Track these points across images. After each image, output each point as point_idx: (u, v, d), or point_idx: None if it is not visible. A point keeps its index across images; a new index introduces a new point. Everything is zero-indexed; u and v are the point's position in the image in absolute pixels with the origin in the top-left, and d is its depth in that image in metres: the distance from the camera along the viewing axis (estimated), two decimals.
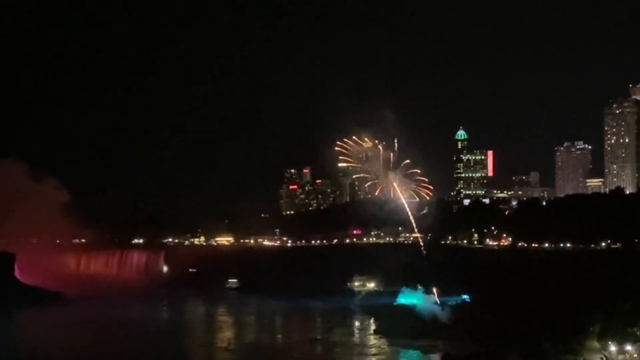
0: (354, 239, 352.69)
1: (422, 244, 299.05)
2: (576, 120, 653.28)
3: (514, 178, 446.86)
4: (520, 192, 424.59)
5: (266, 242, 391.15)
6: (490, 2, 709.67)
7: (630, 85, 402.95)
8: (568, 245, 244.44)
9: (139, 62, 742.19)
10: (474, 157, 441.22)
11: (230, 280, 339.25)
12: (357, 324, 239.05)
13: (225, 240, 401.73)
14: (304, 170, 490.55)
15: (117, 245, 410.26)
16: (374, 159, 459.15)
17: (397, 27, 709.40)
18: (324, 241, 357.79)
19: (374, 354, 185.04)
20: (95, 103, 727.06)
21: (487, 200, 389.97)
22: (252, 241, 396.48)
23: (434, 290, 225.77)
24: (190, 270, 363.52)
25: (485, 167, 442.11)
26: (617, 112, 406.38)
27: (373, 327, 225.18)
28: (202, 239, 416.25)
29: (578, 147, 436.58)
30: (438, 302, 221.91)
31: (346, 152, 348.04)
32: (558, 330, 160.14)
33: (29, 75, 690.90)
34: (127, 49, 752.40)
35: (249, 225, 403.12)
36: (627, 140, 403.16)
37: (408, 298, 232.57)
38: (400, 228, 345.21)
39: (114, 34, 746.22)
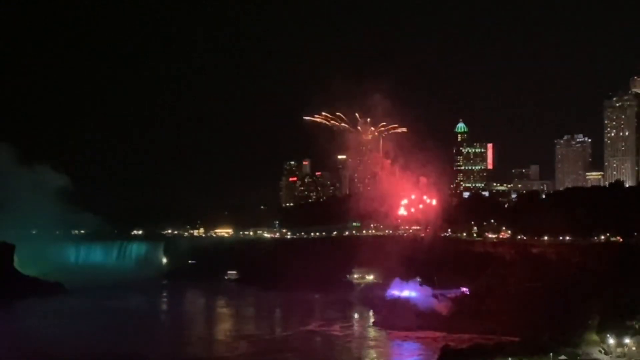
0: (354, 231, 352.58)
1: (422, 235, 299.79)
2: (576, 113, 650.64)
3: (513, 171, 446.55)
4: (519, 185, 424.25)
5: (265, 234, 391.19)
6: None
7: (631, 79, 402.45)
8: (567, 238, 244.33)
9: (140, 53, 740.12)
10: (473, 150, 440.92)
11: (229, 271, 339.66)
12: (356, 316, 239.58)
13: (224, 231, 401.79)
14: (304, 162, 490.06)
15: (117, 236, 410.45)
16: (373, 150, 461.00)
17: (397, 19, 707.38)
18: (324, 233, 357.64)
19: (373, 346, 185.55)
20: (95, 93, 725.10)
21: (486, 193, 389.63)
22: (251, 233, 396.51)
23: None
24: (190, 261, 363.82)
25: (484, 159, 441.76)
26: (617, 105, 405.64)
27: (372, 319, 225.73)
28: (202, 230, 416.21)
29: (578, 140, 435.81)
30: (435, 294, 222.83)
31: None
32: (557, 323, 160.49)
33: (30, 63, 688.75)
34: (129, 39, 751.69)
35: (248, 217, 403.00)
36: (627, 133, 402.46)
37: (400, 290, 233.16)
38: (399, 220, 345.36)
39: (115, 23, 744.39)
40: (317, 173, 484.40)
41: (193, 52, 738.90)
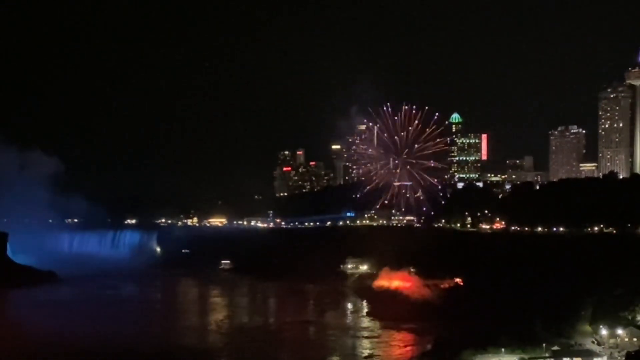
0: (347, 221, 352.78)
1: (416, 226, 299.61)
2: (571, 104, 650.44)
3: (507, 162, 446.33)
4: (514, 176, 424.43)
5: (259, 224, 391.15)
6: None
7: (625, 70, 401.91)
8: (561, 229, 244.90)
9: (140, 42, 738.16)
10: (468, 141, 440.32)
11: (223, 261, 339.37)
12: (349, 306, 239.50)
13: (218, 221, 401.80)
14: (298, 152, 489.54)
15: (110, 225, 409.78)
16: (367, 141, 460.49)
17: (392, 11, 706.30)
18: (317, 223, 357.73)
19: (367, 337, 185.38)
20: (91, 81, 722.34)
21: (480, 184, 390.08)
22: (245, 223, 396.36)
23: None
24: (183, 250, 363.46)
25: (479, 150, 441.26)
26: (612, 96, 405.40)
27: (365, 309, 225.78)
28: (195, 219, 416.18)
29: (572, 131, 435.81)
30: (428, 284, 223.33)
31: None
32: (550, 313, 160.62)
33: (30, 52, 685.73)
34: (127, 29, 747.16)
35: (242, 207, 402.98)
36: (621, 125, 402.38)
37: (389, 280, 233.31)
38: (393, 211, 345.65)
39: (115, 15, 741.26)
40: (311, 163, 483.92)
41: (193, 46, 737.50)
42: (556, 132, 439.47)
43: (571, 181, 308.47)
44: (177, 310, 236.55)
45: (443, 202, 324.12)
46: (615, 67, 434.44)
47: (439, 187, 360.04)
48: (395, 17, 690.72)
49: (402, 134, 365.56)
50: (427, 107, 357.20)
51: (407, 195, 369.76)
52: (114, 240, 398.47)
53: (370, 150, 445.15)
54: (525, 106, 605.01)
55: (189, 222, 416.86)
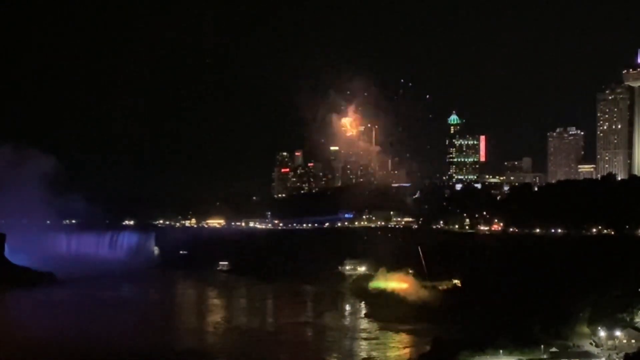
0: (346, 223, 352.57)
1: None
2: (569, 106, 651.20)
3: (506, 163, 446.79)
4: (512, 178, 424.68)
5: (257, 225, 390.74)
6: None
7: (624, 72, 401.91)
8: (559, 230, 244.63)
9: (138, 44, 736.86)
10: (466, 142, 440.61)
11: (221, 262, 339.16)
12: (347, 307, 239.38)
13: (216, 222, 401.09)
14: (296, 153, 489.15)
15: (108, 226, 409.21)
16: (366, 142, 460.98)
17: (391, 10, 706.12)
18: (316, 224, 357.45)
19: (365, 338, 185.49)
20: (91, 81, 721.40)
21: (479, 185, 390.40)
22: (243, 224, 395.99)
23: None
24: (181, 252, 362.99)
25: (477, 152, 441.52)
26: (610, 98, 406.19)
27: (364, 310, 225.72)
28: (193, 221, 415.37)
29: (570, 133, 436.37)
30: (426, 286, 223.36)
31: None
32: (548, 315, 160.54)
33: (29, 51, 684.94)
34: (127, 29, 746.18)
35: (240, 208, 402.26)
36: (619, 126, 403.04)
37: (385, 281, 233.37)
38: (391, 212, 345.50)
39: (115, 15, 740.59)
40: (309, 164, 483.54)
41: (191, 44, 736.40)
42: (554, 134, 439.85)
43: (569, 182, 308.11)
44: (175, 312, 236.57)
45: (441, 204, 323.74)
46: (614, 68, 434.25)
47: (438, 187, 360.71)
48: (394, 18, 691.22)
49: (400, 129, 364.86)
50: (427, 96, 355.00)
51: (406, 196, 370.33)
52: (112, 241, 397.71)
53: (368, 150, 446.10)
54: (524, 107, 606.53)
55: (187, 223, 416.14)
